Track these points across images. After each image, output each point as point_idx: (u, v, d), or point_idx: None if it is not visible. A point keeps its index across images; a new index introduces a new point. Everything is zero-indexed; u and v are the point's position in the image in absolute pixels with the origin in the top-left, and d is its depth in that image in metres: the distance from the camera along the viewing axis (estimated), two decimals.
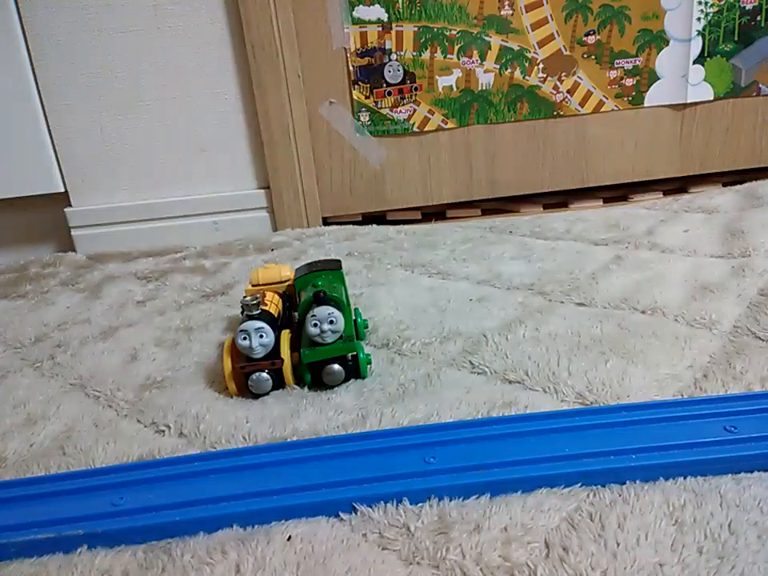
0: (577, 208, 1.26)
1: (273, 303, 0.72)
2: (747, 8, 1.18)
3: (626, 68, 1.21)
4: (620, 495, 0.48)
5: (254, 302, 0.67)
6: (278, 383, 0.69)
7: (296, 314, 0.74)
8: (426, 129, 1.21)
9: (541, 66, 1.19)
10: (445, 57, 1.17)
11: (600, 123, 1.24)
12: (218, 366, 0.75)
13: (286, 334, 0.70)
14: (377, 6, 1.14)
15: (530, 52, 1.18)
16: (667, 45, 1.20)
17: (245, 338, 0.66)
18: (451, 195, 1.27)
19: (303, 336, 0.69)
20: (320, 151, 1.22)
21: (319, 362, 0.68)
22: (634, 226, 1.07)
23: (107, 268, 1.12)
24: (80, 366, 0.79)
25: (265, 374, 0.67)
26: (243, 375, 0.68)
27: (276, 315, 0.70)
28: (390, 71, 1.18)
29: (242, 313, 0.69)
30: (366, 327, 0.79)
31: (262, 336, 0.66)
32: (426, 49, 1.17)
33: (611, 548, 0.44)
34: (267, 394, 0.68)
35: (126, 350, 0.82)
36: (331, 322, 0.66)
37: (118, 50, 1.13)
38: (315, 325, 0.67)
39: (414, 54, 1.17)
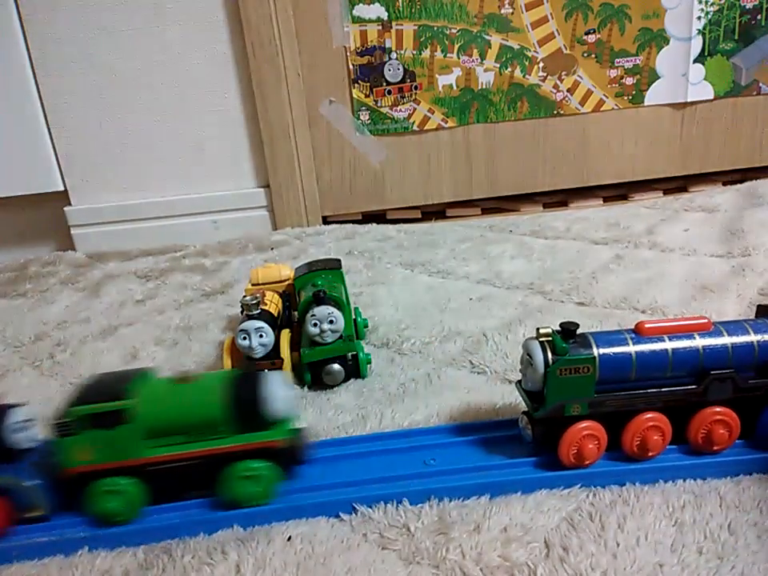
0: (577, 207, 1.26)
1: (273, 303, 0.72)
2: (747, 7, 1.18)
3: (626, 67, 1.20)
4: (620, 496, 0.48)
5: (254, 301, 0.67)
6: None
7: (296, 313, 0.74)
8: (426, 128, 1.21)
9: (541, 64, 1.19)
10: (445, 55, 1.17)
11: (600, 122, 1.24)
12: (217, 365, 0.75)
13: (285, 334, 0.70)
14: (377, 4, 1.13)
15: (530, 51, 1.18)
16: (667, 44, 1.19)
17: (244, 338, 0.66)
18: (451, 194, 1.26)
19: (303, 336, 0.69)
20: (320, 150, 1.22)
21: (319, 362, 0.68)
22: (634, 225, 1.07)
23: (107, 267, 1.12)
24: (80, 365, 0.79)
25: None
26: None
27: (276, 315, 0.70)
28: (390, 70, 1.18)
29: (242, 312, 0.69)
30: (366, 326, 0.79)
31: (261, 336, 0.66)
32: (426, 47, 1.17)
33: (611, 548, 0.44)
34: None
35: (126, 349, 0.82)
36: (331, 322, 0.66)
37: (118, 49, 1.13)
38: (315, 324, 0.67)
39: (414, 52, 1.17)
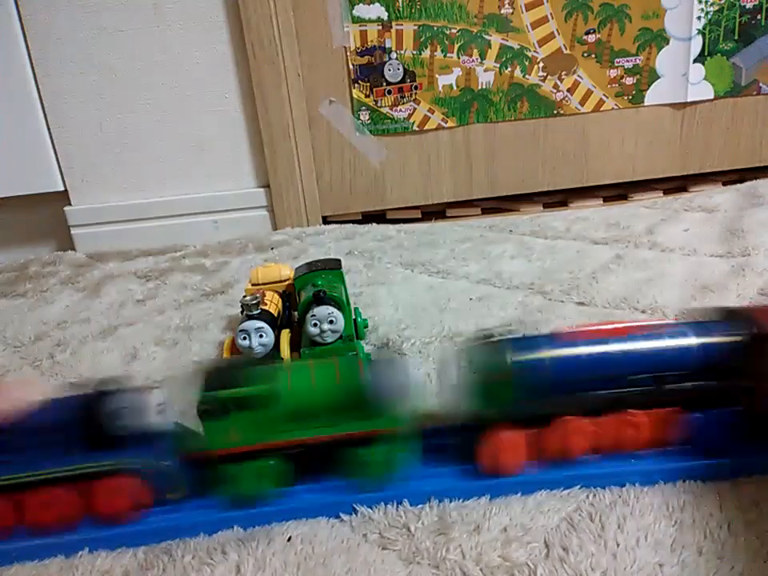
0: (577, 207, 1.26)
1: (273, 303, 0.72)
2: (747, 7, 1.18)
3: (626, 67, 1.20)
4: (620, 496, 0.48)
5: (254, 301, 0.67)
6: None
7: (296, 313, 0.74)
8: (426, 127, 1.21)
9: (541, 64, 1.19)
10: (445, 55, 1.17)
11: (600, 122, 1.24)
12: None
13: (285, 334, 0.70)
14: (377, 4, 1.13)
15: (530, 51, 1.18)
16: (667, 43, 1.19)
17: (245, 338, 0.66)
18: (451, 194, 1.26)
19: (303, 336, 0.69)
20: (320, 150, 1.22)
21: None
22: (634, 225, 1.07)
23: (107, 267, 1.12)
24: (80, 365, 0.79)
25: None
26: None
27: (276, 315, 0.70)
28: (390, 70, 1.18)
29: (242, 312, 0.69)
30: (366, 327, 0.79)
31: (261, 336, 0.66)
32: (426, 47, 1.17)
33: (611, 548, 0.44)
34: None
35: (126, 349, 0.82)
36: (331, 322, 0.66)
37: (118, 49, 1.13)
38: (315, 325, 0.67)
39: (414, 52, 1.17)
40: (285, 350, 0.68)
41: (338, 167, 1.23)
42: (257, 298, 0.68)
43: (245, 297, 0.69)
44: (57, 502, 0.48)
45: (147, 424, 0.49)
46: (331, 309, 0.66)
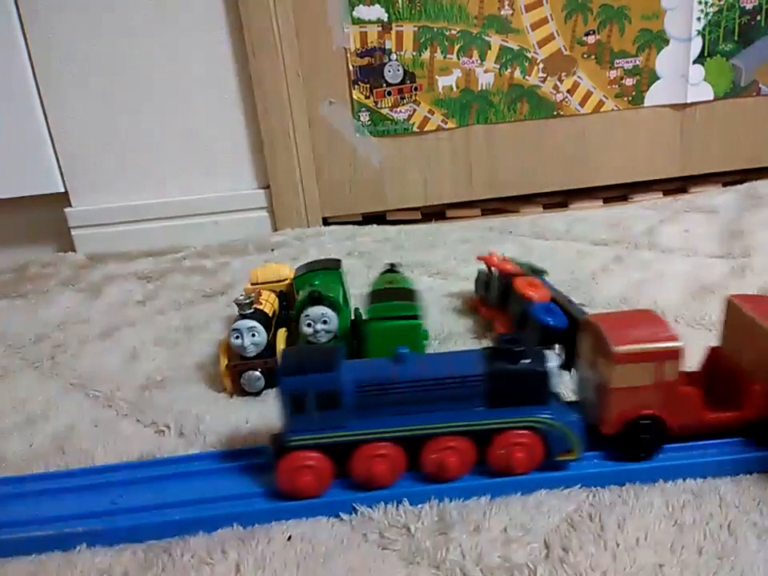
0: (577, 208, 1.26)
1: (268, 302, 0.72)
2: (747, 8, 1.18)
3: (625, 68, 1.21)
4: (619, 496, 0.48)
5: (247, 301, 0.68)
6: (273, 382, 0.68)
7: (293, 312, 0.74)
8: (425, 129, 1.21)
9: (541, 65, 1.19)
10: (445, 57, 1.17)
11: (600, 123, 1.24)
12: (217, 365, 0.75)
13: (282, 333, 0.70)
14: (377, 5, 1.13)
15: (529, 52, 1.18)
16: (667, 44, 1.20)
17: (237, 337, 0.66)
18: (451, 195, 1.26)
19: (299, 335, 0.69)
20: (320, 151, 1.22)
21: None
22: (634, 226, 1.07)
23: (107, 268, 1.12)
24: (80, 366, 0.79)
25: (257, 373, 0.68)
26: (237, 373, 0.68)
27: (271, 314, 0.71)
28: (389, 71, 1.18)
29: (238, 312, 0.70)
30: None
31: (254, 335, 0.67)
32: (426, 49, 1.17)
33: (611, 548, 0.44)
34: (260, 392, 0.68)
35: (126, 350, 0.82)
36: (324, 322, 0.67)
37: (118, 50, 1.13)
38: (309, 324, 0.67)
39: (414, 53, 1.17)
40: (280, 349, 0.68)
41: (338, 168, 1.23)
42: (250, 297, 0.69)
43: (239, 297, 0.69)
44: (460, 452, 0.50)
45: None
46: (325, 309, 0.67)
